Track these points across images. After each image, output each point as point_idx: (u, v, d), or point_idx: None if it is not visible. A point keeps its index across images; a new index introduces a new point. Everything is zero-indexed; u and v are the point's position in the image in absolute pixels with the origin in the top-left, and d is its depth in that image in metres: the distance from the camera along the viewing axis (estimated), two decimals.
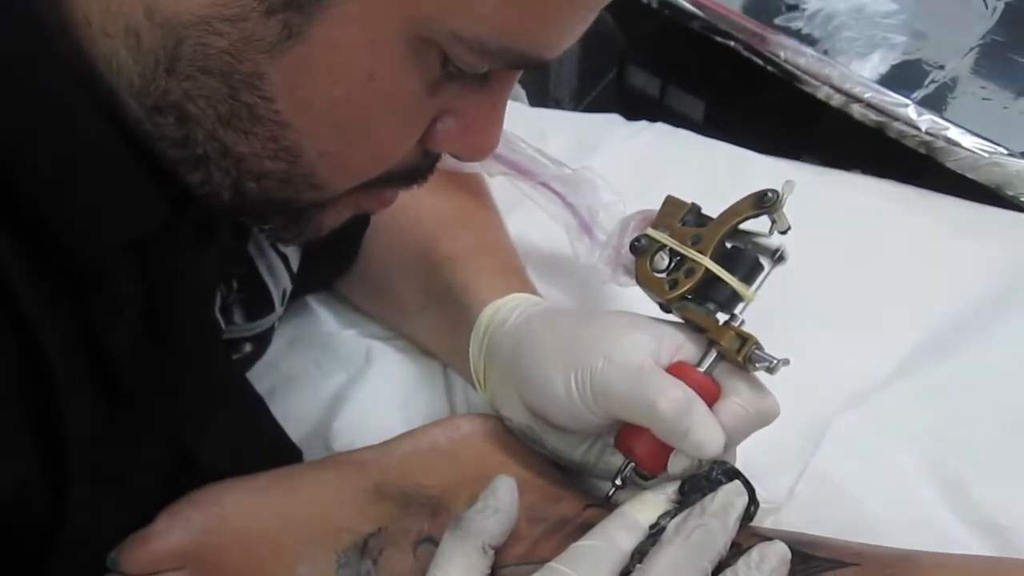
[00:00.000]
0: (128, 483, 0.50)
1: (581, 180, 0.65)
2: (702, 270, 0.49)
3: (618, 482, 0.51)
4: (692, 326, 0.51)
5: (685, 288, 0.50)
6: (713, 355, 0.50)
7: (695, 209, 0.52)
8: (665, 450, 0.49)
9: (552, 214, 0.65)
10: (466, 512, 0.49)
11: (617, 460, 0.53)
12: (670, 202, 0.53)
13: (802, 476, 0.58)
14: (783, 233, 0.50)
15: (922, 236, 0.73)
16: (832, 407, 0.62)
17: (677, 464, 0.49)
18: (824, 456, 0.59)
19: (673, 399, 0.47)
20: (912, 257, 0.71)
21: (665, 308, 0.52)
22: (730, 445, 0.49)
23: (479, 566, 0.47)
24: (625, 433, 0.51)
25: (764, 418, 0.49)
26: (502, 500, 0.49)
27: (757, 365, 0.47)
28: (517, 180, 0.66)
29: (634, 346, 0.50)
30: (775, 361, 0.47)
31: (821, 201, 0.71)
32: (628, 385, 0.49)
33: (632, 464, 0.51)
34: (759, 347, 0.48)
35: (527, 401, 0.55)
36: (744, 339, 0.48)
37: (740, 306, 0.50)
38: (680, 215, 0.52)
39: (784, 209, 0.49)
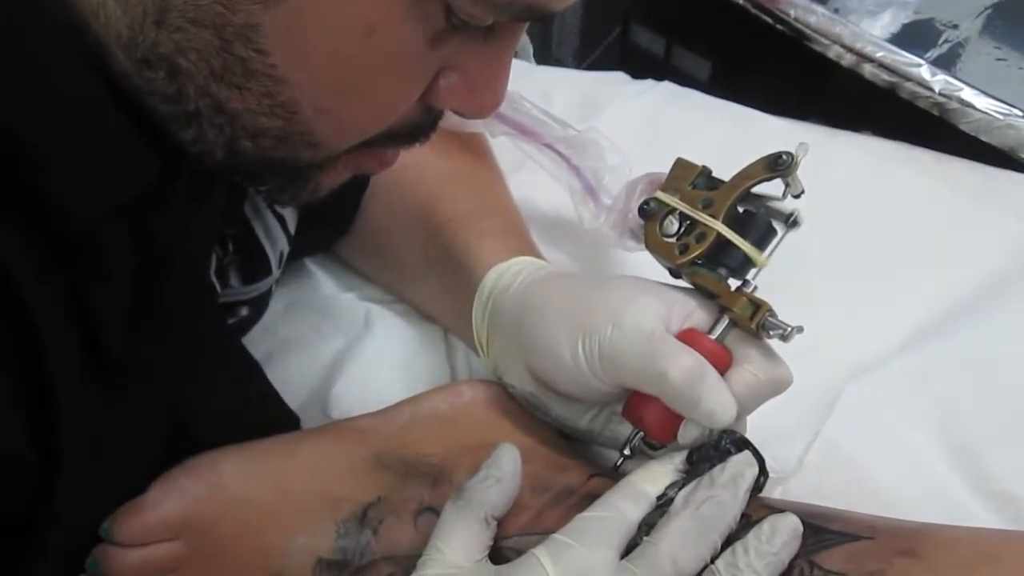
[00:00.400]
0: (121, 453, 0.48)
1: (586, 142, 0.63)
2: (714, 235, 0.48)
3: (626, 452, 0.50)
4: (703, 292, 0.50)
5: (696, 253, 0.48)
6: (725, 322, 0.48)
7: (706, 172, 0.51)
8: (675, 419, 0.48)
9: (556, 177, 0.64)
10: (468, 482, 0.48)
11: (624, 429, 0.52)
12: (680, 165, 0.52)
13: (812, 445, 0.57)
14: (796, 197, 0.49)
15: (935, 201, 0.72)
16: (843, 375, 0.61)
17: (688, 434, 0.48)
18: (834, 425, 0.58)
19: (684, 367, 0.46)
20: (925, 222, 0.70)
21: (675, 274, 0.51)
22: (742, 414, 0.48)
23: (481, 537, 0.47)
24: (634, 402, 0.50)
25: (777, 387, 0.48)
26: (505, 470, 0.48)
27: (771, 332, 0.46)
28: (520, 141, 0.64)
29: (644, 312, 0.49)
30: (789, 328, 0.46)
31: (831, 164, 0.70)
32: (638, 353, 0.48)
33: (640, 433, 0.50)
34: (773, 314, 0.47)
35: (532, 368, 0.53)
36: (757, 305, 0.47)
37: (753, 272, 0.49)
38: (690, 178, 0.51)
39: (798, 172, 0.48)
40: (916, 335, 0.63)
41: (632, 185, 0.60)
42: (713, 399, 0.46)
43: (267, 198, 0.57)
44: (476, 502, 0.47)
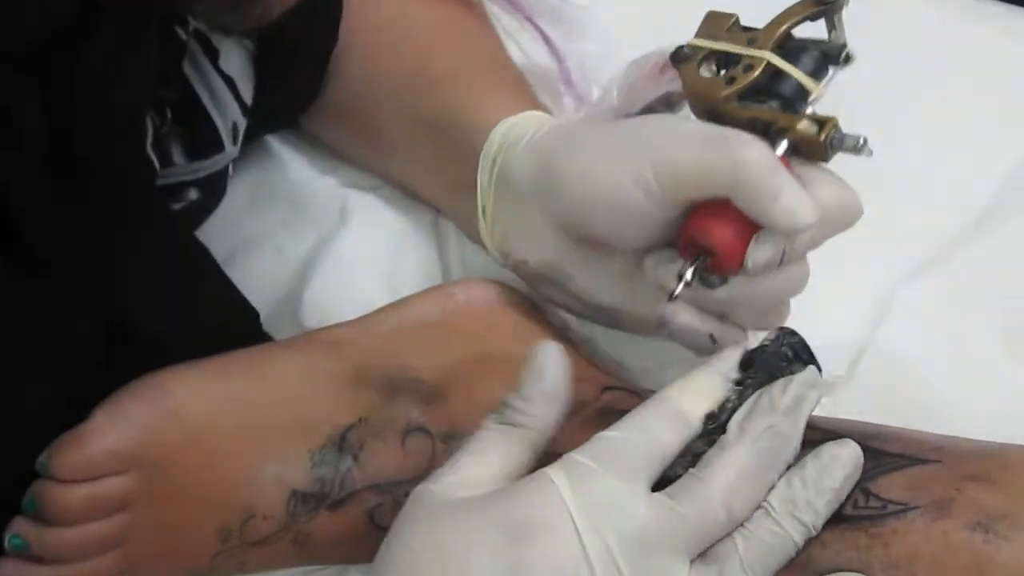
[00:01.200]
0: (47, 361, 0.44)
1: (574, 19, 0.61)
2: (763, 63, 0.45)
3: (687, 277, 0.44)
4: (754, 127, 0.45)
5: (746, 83, 0.45)
6: (783, 146, 0.44)
7: (738, 20, 0.48)
8: (746, 234, 0.43)
9: (534, 63, 0.60)
10: (509, 399, 0.41)
11: (652, 303, 0.47)
12: (711, 17, 0.48)
13: (865, 353, 0.53)
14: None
15: (998, 62, 0.65)
16: (898, 273, 0.56)
17: (760, 253, 0.43)
18: (889, 331, 0.54)
19: (760, 149, 0.42)
20: (987, 89, 0.63)
21: (716, 117, 0.46)
22: (811, 246, 0.44)
23: (528, 465, 0.41)
24: (696, 220, 0.44)
25: (846, 215, 0.44)
26: (553, 381, 0.41)
27: (844, 146, 0.43)
28: (503, 14, 0.61)
29: (697, 128, 0.45)
30: (861, 139, 0.42)
31: (881, 17, 0.64)
32: (703, 148, 0.43)
33: (699, 261, 0.44)
34: (839, 129, 0.43)
35: (566, 212, 0.47)
36: (822, 122, 0.43)
37: (807, 103, 0.45)
38: (725, 27, 0.48)
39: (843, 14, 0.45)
40: (978, 225, 0.58)
41: (633, 67, 0.57)
42: (792, 193, 0.42)
43: (210, 23, 0.51)
44: (521, 424, 0.41)
